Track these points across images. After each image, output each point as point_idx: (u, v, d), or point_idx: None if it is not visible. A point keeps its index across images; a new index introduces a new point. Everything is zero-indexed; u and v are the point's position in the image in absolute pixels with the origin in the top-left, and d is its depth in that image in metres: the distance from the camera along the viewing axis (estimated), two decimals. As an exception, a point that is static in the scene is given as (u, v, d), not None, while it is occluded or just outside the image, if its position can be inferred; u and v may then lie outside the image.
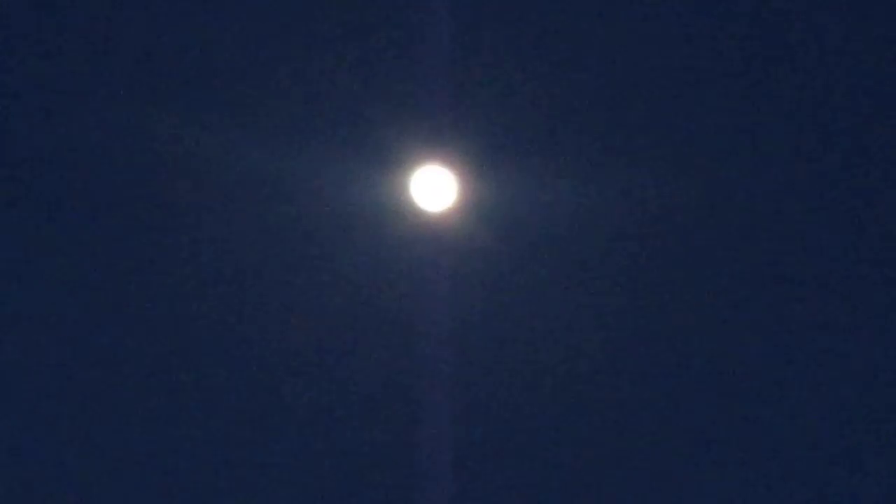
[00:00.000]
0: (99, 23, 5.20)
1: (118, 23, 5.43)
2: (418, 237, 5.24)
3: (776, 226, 5.27)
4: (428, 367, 5.30)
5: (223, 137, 5.05)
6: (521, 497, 5.00)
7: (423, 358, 5.30)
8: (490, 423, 5.16)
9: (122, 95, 5.22)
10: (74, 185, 4.85)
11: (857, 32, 5.57)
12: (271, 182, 5.10)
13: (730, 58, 5.42)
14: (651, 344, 5.36)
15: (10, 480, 4.52)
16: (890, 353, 5.06)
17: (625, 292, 5.59)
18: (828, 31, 5.59)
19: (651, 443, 5.16)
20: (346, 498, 4.56)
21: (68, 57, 5.08)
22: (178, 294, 4.80)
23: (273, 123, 5.17)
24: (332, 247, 5.33)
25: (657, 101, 5.43)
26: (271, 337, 5.20)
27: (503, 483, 4.98)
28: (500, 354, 5.22)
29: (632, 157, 5.27)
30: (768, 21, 5.43)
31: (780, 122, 5.33)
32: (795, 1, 5.42)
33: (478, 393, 5.22)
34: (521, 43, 5.39)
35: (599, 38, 5.42)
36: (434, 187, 5.09)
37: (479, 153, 5.24)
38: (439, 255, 5.32)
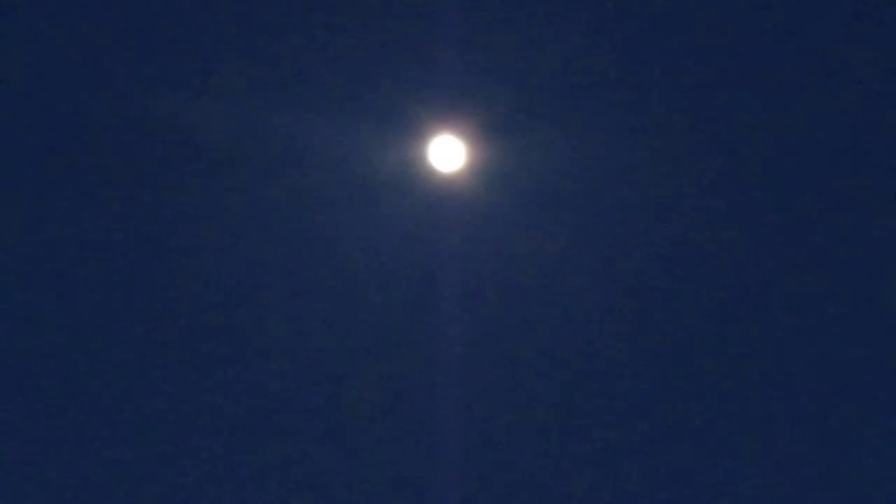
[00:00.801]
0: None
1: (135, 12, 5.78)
2: (434, 195, 5.73)
3: (769, 199, 5.62)
4: (442, 309, 5.81)
5: (267, 111, 5.49)
6: (530, 447, 5.47)
7: (437, 299, 5.81)
8: (498, 364, 5.63)
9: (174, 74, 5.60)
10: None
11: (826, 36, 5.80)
12: (307, 148, 5.53)
13: (720, 38, 5.68)
14: (651, 294, 5.78)
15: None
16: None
17: (621, 244, 5.99)
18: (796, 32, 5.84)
19: (660, 394, 5.59)
20: (367, 440, 5.03)
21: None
22: (231, 233, 5.25)
23: (310, 99, 5.62)
24: (361, 203, 5.80)
25: (655, 73, 5.73)
26: (307, 274, 5.69)
27: (513, 425, 5.43)
28: (507, 300, 5.68)
29: (630, 126, 5.61)
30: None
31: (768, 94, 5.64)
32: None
33: (487, 337, 5.67)
34: (525, 22, 5.71)
35: (600, 15, 5.74)
36: (447, 152, 5.58)
37: (487, 123, 5.66)
38: (452, 211, 5.86)
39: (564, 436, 5.34)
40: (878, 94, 5.60)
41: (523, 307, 5.71)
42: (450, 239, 5.89)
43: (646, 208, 5.71)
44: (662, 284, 6.07)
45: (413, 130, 5.59)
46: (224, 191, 5.33)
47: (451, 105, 5.53)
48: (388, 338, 5.47)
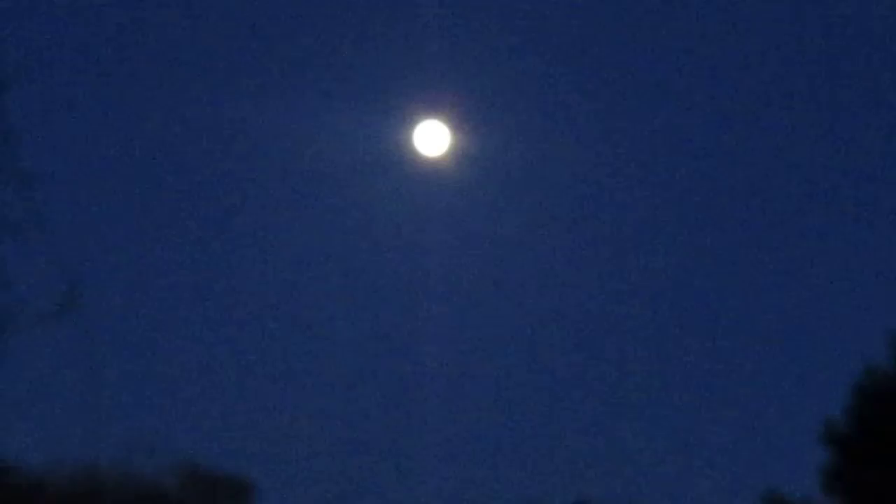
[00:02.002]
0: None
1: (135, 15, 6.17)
2: (419, 176, 5.89)
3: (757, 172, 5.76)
4: (427, 275, 6.14)
5: (269, 107, 5.91)
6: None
7: (423, 268, 6.17)
8: (479, 323, 6.00)
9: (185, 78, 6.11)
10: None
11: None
12: (303, 135, 5.86)
13: (703, 37, 5.79)
14: (628, 272, 5.98)
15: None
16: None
17: (599, 224, 6.17)
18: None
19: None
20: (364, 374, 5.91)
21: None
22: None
23: (304, 91, 6.06)
24: (355, 182, 6.07)
25: (638, 64, 5.84)
26: (310, 243, 6.32)
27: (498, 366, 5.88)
28: (486, 268, 6.05)
29: (610, 113, 5.75)
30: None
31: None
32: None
33: (468, 297, 6.01)
34: (507, 12, 5.84)
35: (583, 7, 5.88)
36: (432, 137, 5.71)
37: (468, 111, 5.78)
38: (436, 190, 6.01)
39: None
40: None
41: (501, 278, 6.03)
42: (433, 218, 6.13)
43: (625, 189, 5.85)
44: (640, 263, 6.18)
45: (399, 116, 5.79)
46: (229, 175, 5.87)
47: (435, 91, 5.71)
48: (378, 295, 5.99)
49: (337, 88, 8.35)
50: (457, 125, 6.08)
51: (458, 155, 5.80)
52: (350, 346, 7.52)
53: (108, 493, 6.32)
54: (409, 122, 6.23)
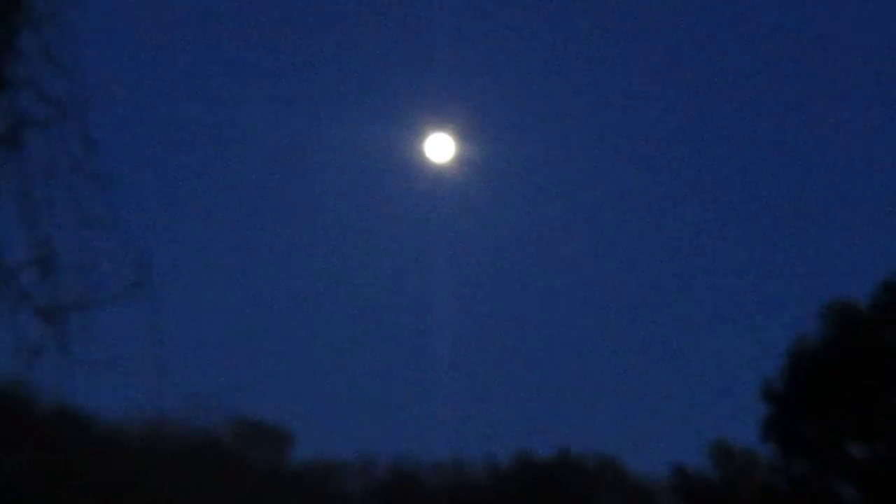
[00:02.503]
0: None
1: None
2: (428, 181, 6.11)
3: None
4: (434, 260, 6.45)
5: (298, 114, 6.12)
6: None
7: (431, 254, 6.41)
8: (477, 301, 6.22)
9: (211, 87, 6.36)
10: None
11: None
12: (333, 144, 6.03)
13: (701, 48, 5.94)
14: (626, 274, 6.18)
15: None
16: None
17: (594, 225, 6.46)
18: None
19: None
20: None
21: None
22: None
23: (334, 108, 6.32)
24: (370, 185, 6.34)
25: (631, 78, 6.02)
26: (329, 240, 6.84)
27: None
28: (485, 256, 6.34)
29: (601, 122, 5.95)
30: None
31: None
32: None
33: (470, 279, 6.25)
34: (507, 36, 6.11)
35: (579, 25, 6.10)
36: (439, 146, 5.84)
37: (470, 125, 5.98)
38: (443, 193, 6.24)
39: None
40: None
41: (498, 264, 6.21)
42: (441, 217, 6.28)
43: (610, 189, 6.01)
44: (614, 251, 6.38)
45: (411, 129, 5.91)
46: (257, 182, 6.11)
47: (442, 107, 5.83)
48: (394, 278, 6.20)
49: (361, 106, 8.55)
50: (460, 137, 6.26)
51: (462, 162, 6.03)
52: (371, 319, 7.74)
53: (172, 440, 6.42)
54: (419, 134, 6.42)
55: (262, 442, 6.54)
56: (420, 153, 6.02)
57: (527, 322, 7.58)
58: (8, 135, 1.27)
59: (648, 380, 8.04)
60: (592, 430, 8.71)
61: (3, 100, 1.29)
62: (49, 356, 1.31)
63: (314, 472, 6.67)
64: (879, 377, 4.69)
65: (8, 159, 1.26)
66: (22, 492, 4.61)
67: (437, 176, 6.02)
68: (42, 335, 1.31)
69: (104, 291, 1.36)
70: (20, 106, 1.27)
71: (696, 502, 4.96)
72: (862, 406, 4.64)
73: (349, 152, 6.24)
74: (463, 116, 6.76)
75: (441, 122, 6.99)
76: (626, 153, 8.31)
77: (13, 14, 1.32)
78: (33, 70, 1.28)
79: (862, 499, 4.67)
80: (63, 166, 1.25)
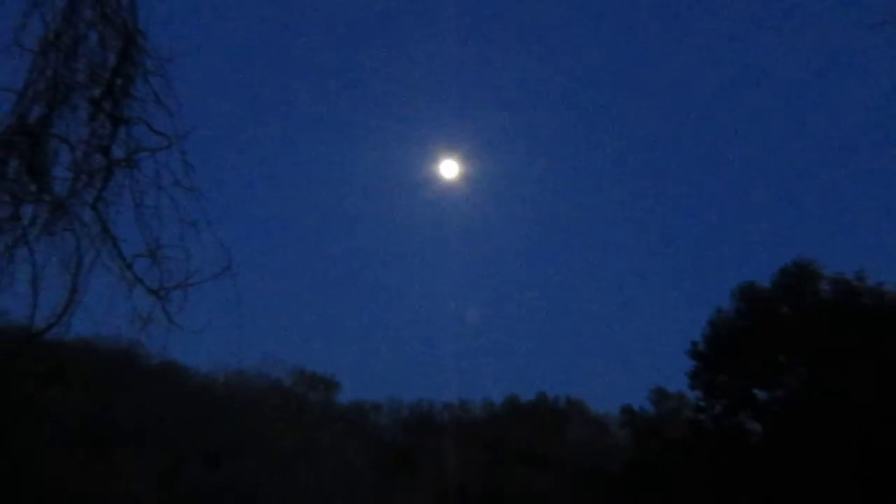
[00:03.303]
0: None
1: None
2: (438, 196, 6.18)
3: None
4: (445, 259, 6.55)
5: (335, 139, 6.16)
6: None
7: (442, 254, 6.49)
8: (481, 291, 6.15)
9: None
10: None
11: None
12: (365, 166, 6.14)
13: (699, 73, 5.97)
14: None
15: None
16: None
17: (589, 237, 6.44)
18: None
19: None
20: None
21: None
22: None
23: (367, 137, 6.40)
24: (391, 199, 6.46)
25: (619, 105, 6.03)
26: (357, 241, 6.86)
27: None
28: (487, 256, 6.37)
29: (590, 145, 5.97)
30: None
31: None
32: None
33: (474, 275, 6.23)
34: (505, 84, 6.17)
35: (569, 62, 6.19)
36: (448, 167, 5.93)
37: (474, 150, 6.03)
38: (451, 204, 6.36)
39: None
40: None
41: (497, 264, 6.20)
42: (450, 226, 6.30)
43: (597, 200, 6.04)
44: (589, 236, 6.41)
45: (425, 154, 5.93)
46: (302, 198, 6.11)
47: (451, 136, 5.83)
48: (409, 276, 6.16)
49: (386, 135, 8.57)
50: (465, 160, 6.34)
51: (468, 180, 6.09)
52: (396, 301, 7.79)
53: (247, 388, 6.44)
54: (432, 157, 6.47)
55: (317, 387, 6.55)
56: (433, 172, 6.13)
57: (517, 303, 7.70)
58: (127, 158, 1.28)
59: (607, 342, 8.07)
60: (564, 379, 8.79)
61: (123, 132, 1.30)
62: (157, 324, 1.32)
63: (355, 410, 6.69)
64: (777, 340, 4.68)
65: (126, 177, 1.27)
66: (131, 427, 4.63)
67: (446, 190, 6.13)
68: (152, 309, 1.32)
69: (198, 275, 1.37)
70: (135, 137, 1.28)
71: (639, 433, 4.95)
72: (764, 361, 4.62)
73: (377, 171, 6.32)
74: (468, 143, 6.82)
75: (450, 148, 7.01)
76: (604, 169, 8.43)
77: (130, 69, 1.33)
78: (145, 110, 1.29)
79: (763, 430, 4.66)
80: (167, 181, 1.27)
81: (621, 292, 8.12)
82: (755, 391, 4.54)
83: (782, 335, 4.48)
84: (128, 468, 4.37)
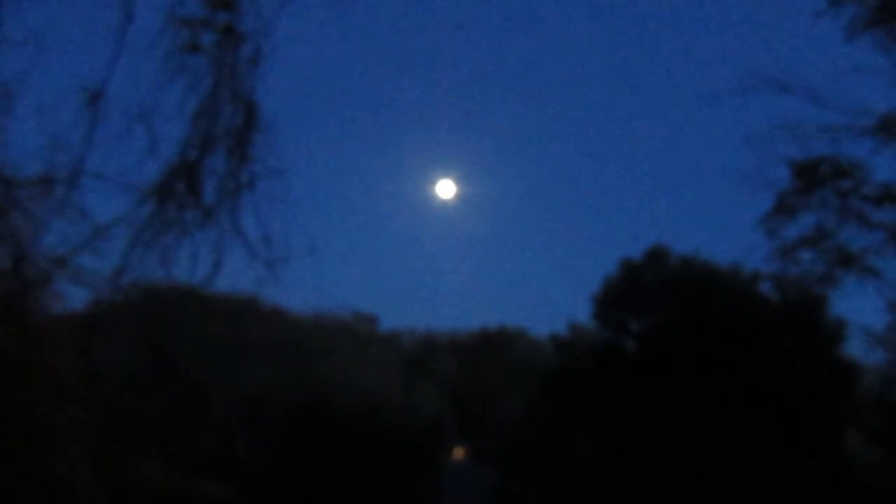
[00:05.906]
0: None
1: None
2: (437, 213, 8.10)
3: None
4: (440, 275, 8.30)
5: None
6: None
7: (437, 271, 8.44)
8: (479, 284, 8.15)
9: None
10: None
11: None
12: (369, 186, 7.84)
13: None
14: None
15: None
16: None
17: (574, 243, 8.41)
18: None
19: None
20: None
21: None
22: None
23: (371, 162, 8.02)
24: (392, 217, 8.14)
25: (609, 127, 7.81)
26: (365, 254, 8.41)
27: None
28: (479, 267, 8.12)
29: (574, 166, 7.78)
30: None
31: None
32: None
33: (469, 283, 8.12)
34: (496, 110, 7.80)
35: (560, 87, 8.03)
36: (444, 186, 7.65)
37: (469, 171, 7.90)
38: (448, 222, 8.14)
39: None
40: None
41: (489, 274, 7.96)
42: (446, 243, 8.01)
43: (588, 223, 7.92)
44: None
45: (423, 175, 7.56)
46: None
47: (447, 158, 7.54)
48: (410, 285, 7.94)
49: (387, 158, 10.09)
50: (461, 181, 7.62)
51: (462, 200, 7.35)
52: (404, 288, 9.31)
53: (323, 321, 7.87)
54: (430, 178, 7.81)
55: (361, 320, 8.02)
56: (431, 192, 6.83)
57: (494, 269, 9.31)
58: (249, 182, 1.78)
59: (547, 290, 9.97)
60: (515, 314, 10.92)
61: (247, 167, 1.77)
62: (269, 283, 1.80)
63: (389, 337, 8.67)
64: (643, 292, 6.96)
65: (249, 193, 1.76)
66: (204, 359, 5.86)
67: (443, 210, 7.03)
68: (264, 275, 1.80)
69: (293, 254, 1.84)
70: (254, 169, 1.72)
71: (559, 349, 7.18)
72: (636, 305, 6.87)
73: (382, 192, 7.82)
74: (463, 165, 8.39)
75: (446, 170, 8.41)
76: (584, 185, 9.79)
77: (250, 126, 1.80)
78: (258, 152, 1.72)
79: (638, 348, 6.92)
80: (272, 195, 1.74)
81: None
82: (630, 322, 6.28)
83: (647, 290, 6.79)
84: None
